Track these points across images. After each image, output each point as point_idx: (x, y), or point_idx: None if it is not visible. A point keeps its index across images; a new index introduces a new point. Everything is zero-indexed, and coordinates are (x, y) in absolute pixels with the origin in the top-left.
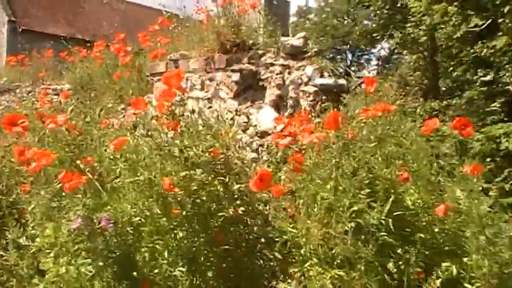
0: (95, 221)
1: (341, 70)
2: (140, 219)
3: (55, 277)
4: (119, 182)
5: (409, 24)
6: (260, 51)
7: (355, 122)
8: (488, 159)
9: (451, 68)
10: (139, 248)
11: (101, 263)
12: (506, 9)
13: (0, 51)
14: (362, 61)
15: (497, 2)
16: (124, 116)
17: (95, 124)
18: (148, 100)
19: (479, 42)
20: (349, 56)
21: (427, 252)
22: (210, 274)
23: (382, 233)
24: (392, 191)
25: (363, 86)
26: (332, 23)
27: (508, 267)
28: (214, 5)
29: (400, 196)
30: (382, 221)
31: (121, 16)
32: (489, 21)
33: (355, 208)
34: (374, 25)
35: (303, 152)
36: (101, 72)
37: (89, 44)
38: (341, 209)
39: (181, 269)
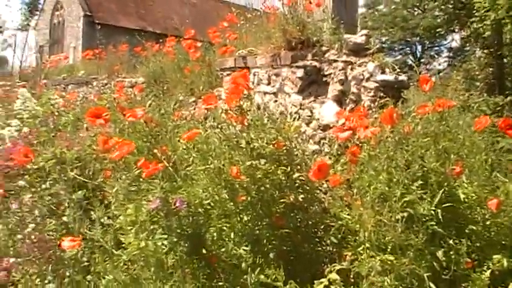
0: (171, 202)
1: (409, 62)
2: (210, 203)
3: (136, 250)
4: (191, 169)
5: (473, 19)
6: (324, 48)
7: (411, 117)
8: None
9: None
10: (208, 228)
11: (175, 239)
12: None
13: (76, 45)
14: (432, 53)
15: None
16: (195, 108)
17: (168, 116)
18: (218, 94)
19: None
20: (419, 47)
21: (478, 244)
22: (271, 255)
23: (432, 223)
24: (446, 184)
25: (433, 79)
26: (402, 14)
27: None
28: (280, 4)
29: (453, 189)
30: (433, 212)
31: (190, 9)
32: None
33: (407, 199)
34: (439, 20)
35: (360, 145)
36: (172, 66)
37: (160, 39)
38: (394, 199)
39: (245, 248)
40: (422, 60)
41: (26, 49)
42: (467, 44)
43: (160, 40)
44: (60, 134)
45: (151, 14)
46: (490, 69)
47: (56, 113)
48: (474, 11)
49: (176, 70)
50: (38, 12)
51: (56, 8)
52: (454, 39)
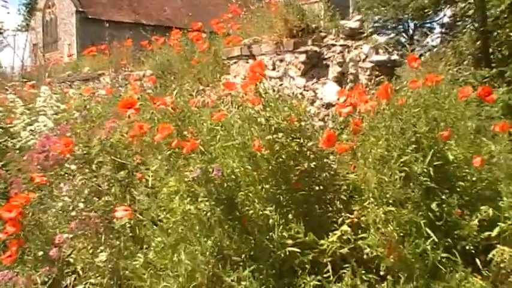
0: (209, 171)
1: (403, 40)
2: (239, 172)
3: (181, 214)
4: (217, 146)
5: None
6: (322, 34)
7: (403, 92)
8: None
9: (500, 38)
10: (238, 193)
11: (213, 203)
12: None
13: (70, 41)
14: (425, 30)
15: None
16: (203, 96)
17: (186, 103)
18: (226, 81)
19: None
20: (411, 25)
21: (467, 198)
22: (290, 216)
23: (425, 179)
24: (436, 147)
25: (426, 55)
26: None
27: None
28: None
29: (443, 151)
30: (425, 170)
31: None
32: None
33: (403, 159)
34: (426, 1)
35: (361, 118)
36: (179, 58)
37: (155, 31)
38: (392, 160)
39: (269, 208)
40: (415, 37)
41: (27, 49)
42: (458, 20)
43: (154, 31)
44: (97, 125)
45: (143, 7)
46: (477, 43)
47: (87, 107)
48: None
49: (183, 61)
50: (36, 13)
51: (47, 5)
52: (446, 15)
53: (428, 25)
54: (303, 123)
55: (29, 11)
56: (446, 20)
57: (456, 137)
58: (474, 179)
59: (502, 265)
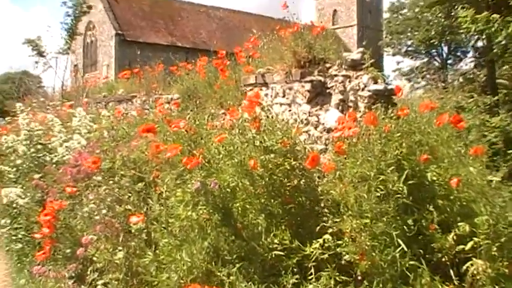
0: (208, 183)
1: (436, 64)
2: (235, 187)
3: (184, 219)
4: (220, 164)
5: (461, 30)
6: (328, 65)
7: (387, 119)
8: None
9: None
10: (233, 204)
11: (211, 211)
12: None
13: (109, 63)
14: (458, 54)
15: None
16: (224, 119)
17: (202, 126)
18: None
19: None
20: (445, 49)
21: (447, 215)
22: (283, 227)
23: (398, 196)
24: (417, 168)
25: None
26: (426, 17)
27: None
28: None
29: (423, 172)
30: (400, 188)
31: (217, 22)
32: None
33: (380, 178)
34: (433, 31)
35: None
36: (204, 83)
37: (189, 53)
38: (370, 179)
39: (260, 217)
40: (449, 61)
41: (68, 70)
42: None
43: (188, 53)
44: (120, 144)
45: (180, 29)
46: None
47: (115, 127)
48: (461, 23)
49: (207, 87)
50: (76, 37)
51: (88, 28)
52: (480, 39)
53: (462, 49)
54: (297, 146)
55: (69, 35)
56: (480, 44)
57: (435, 159)
58: (452, 197)
59: (478, 277)
